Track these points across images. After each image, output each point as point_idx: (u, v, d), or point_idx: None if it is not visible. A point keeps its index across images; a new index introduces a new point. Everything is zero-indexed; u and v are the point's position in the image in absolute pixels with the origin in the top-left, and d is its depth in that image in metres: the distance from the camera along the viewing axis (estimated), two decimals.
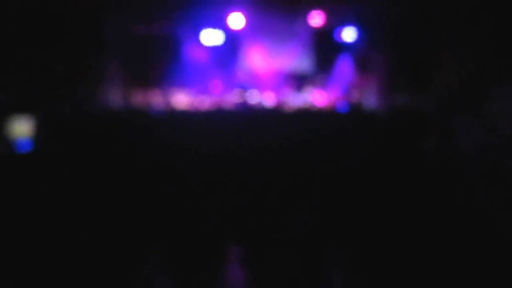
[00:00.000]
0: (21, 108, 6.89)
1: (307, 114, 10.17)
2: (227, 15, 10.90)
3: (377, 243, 3.74)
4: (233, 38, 11.36)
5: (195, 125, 6.33)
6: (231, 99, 10.76)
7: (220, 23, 11.09)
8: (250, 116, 9.56)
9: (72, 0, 9.57)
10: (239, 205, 4.15)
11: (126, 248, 3.62)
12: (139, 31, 11.23)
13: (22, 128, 6.03)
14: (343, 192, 4.39)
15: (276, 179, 4.53)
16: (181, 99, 10.84)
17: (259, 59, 11.26)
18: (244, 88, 10.79)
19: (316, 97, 10.71)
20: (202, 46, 11.33)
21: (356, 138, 6.27)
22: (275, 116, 9.66)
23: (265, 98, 10.73)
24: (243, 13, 10.84)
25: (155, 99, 10.94)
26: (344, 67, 10.87)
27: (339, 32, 10.90)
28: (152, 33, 11.21)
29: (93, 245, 3.62)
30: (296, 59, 11.20)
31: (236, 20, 10.88)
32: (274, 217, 3.98)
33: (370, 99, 10.38)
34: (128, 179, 4.44)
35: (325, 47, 11.01)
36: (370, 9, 10.39)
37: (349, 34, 10.81)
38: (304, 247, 3.66)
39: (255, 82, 10.97)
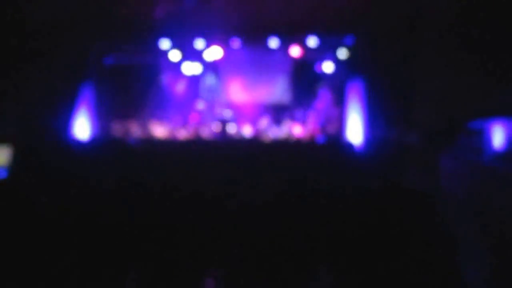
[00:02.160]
0: None
1: (286, 146, 10.17)
2: (206, 48, 10.86)
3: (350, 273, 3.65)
4: (212, 70, 11.31)
5: (173, 154, 6.21)
6: (210, 130, 10.68)
7: (199, 56, 11.07)
8: (228, 146, 9.55)
9: (51, 30, 9.45)
10: (215, 234, 4.08)
11: (101, 276, 3.51)
12: (117, 61, 11.21)
13: None
14: (321, 222, 4.34)
15: (254, 208, 4.48)
16: (160, 131, 10.71)
17: (238, 91, 11.21)
18: (222, 120, 10.72)
19: (295, 129, 10.67)
20: (181, 77, 11.25)
21: (335, 169, 6.23)
22: (254, 147, 9.64)
23: (243, 130, 10.65)
24: (222, 46, 10.84)
25: (134, 130, 10.78)
26: (324, 99, 10.87)
27: (319, 64, 10.94)
28: (130, 63, 11.21)
29: (67, 272, 3.50)
30: (275, 91, 11.18)
31: (215, 53, 10.86)
32: (251, 246, 3.92)
33: (350, 131, 10.35)
34: (103, 208, 4.37)
35: (305, 79, 11.06)
36: (351, 42, 10.45)
37: (329, 66, 10.82)
38: (280, 276, 3.57)
39: (234, 114, 10.89)
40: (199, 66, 11.27)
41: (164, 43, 10.93)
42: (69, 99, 10.19)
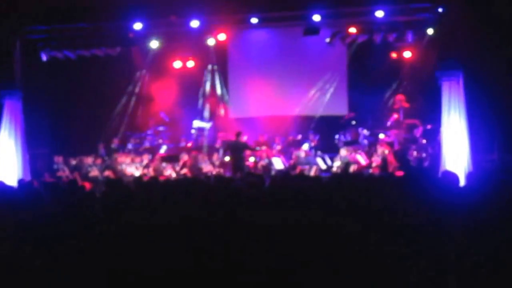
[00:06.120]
0: None
1: (344, 181, 7.00)
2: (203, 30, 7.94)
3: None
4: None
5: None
6: (218, 163, 7.80)
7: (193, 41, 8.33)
8: (253, 187, 6.25)
9: None
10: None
11: None
12: (61, 56, 8.72)
13: None
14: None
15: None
16: (133, 169, 7.86)
17: (260, 97, 8.56)
18: (236, 146, 7.59)
19: (357, 156, 7.82)
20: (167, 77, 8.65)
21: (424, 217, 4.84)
22: (293, 188, 6.59)
23: (273, 161, 7.87)
24: (228, 26, 8.02)
25: (91, 168, 8.00)
26: (402, 104, 8.33)
27: (391, 48, 8.22)
28: (81, 59, 8.68)
29: None
30: (318, 97, 8.59)
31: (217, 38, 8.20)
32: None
33: (447, 156, 7.65)
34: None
35: (370, 72, 8.37)
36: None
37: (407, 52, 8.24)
38: None
39: (253, 134, 8.16)
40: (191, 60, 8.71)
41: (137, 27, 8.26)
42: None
